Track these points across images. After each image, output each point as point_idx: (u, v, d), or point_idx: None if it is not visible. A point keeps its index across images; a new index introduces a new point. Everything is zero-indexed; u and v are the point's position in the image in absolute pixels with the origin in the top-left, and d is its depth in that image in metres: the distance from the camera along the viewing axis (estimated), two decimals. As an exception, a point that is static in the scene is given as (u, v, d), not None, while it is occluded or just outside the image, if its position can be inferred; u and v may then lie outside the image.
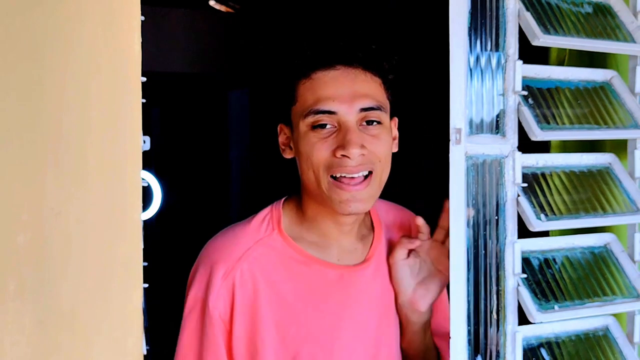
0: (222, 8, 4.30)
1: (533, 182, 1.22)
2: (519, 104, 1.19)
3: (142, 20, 0.87)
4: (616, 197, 1.30)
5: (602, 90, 1.33)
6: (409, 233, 1.35)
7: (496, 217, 1.17)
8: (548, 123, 1.23)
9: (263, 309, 1.23)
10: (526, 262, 1.20)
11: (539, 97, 1.24)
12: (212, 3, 4.23)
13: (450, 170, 1.11)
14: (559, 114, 1.25)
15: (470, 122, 1.14)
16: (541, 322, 1.17)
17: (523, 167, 1.20)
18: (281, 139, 1.29)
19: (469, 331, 1.13)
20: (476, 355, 1.14)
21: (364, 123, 1.21)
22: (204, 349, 1.23)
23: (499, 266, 1.17)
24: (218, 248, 1.27)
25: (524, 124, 1.19)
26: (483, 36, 1.15)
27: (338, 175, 1.19)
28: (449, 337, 1.12)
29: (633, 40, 1.33)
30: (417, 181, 3.02)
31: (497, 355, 1.16)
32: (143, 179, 0.89)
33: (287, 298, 1.25)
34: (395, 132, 1.30)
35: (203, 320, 1.23)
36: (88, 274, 0.85)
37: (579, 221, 1.25)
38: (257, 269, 1.24)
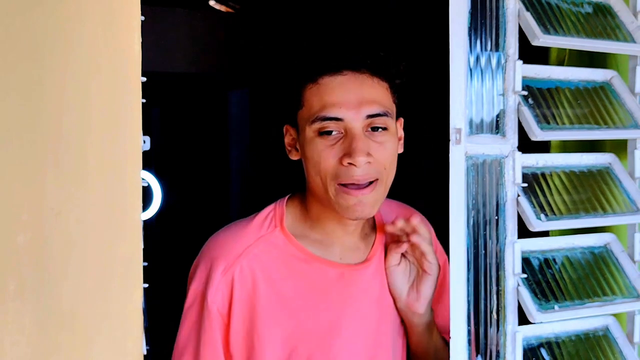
0: (222, 8, 4.30)
1: (533, 182, 1.22)
2: (519, 104, 1.19)
3: (142, 20, 0.87)
4: (616, 197, 1.30)
5: (602, 90, 1.33)
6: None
7: (496, 217, 1.17)
8: (548, 123, 1.23)
9: (262, 305, 1.24)
10: (526, 262, 1.20)
11: (539, 97, 1.24)
12: (212, 3, 4.23)
13: (450, 170, 1.10)
14: (559, 114, 1.25)
15: (470, 122, 1.14)
16: (541, 322, 1.17)
17: (523, 167, 1.20)
18: (287, 140, 1.30)
19: (469, 331, 1.13)
20: (476, 355, 1.14)
21: (370, 129, 1.21)
22: (202, 342, 1.24)
23: (499, 266, 1.17)
24: (219, 244, 1.28)
25: (524, 124, 1.19)
26: (483, 36, 1.15)
27: (345, 183, 1.20)
28: None
29: (633, 40, 1.33)
30: (417, 181, 3.02)
31: (497, 355, 1.16)
32: (143, 179, 0.89)
33: (286, 295, 1.25)
34: (401, 133, 1.30)
35: (202, 314, 1.25)
36: (88, 274, 0.85)
37: (579, 221, 1.25)
38: (257, 265, 1.25)
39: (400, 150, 1.29)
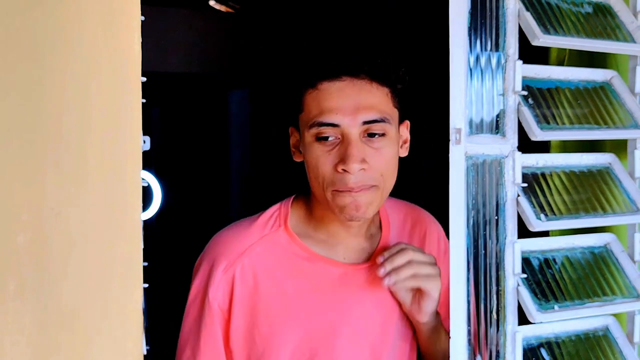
0: (222, 8, 4.30)
1: (533, 182, 1.22)
2: (519, 104, 1.19)
3: (142, 20, 0.87)
4: (616, 197, 1.29)
5: (602, 90, 1.33)
6: (423, 231, 1.38)
7: (496, 217, 1.17)
8: (548, 123, 1.23)
9: (263, 303, 1.25)
10: (526, 262, 1.20)
11: (539, 97, 1.23)
12: (212, 3, 4.23)
13: (450, 170, 1.10)
14: (559, 114, 1.25)
15: (470, 122, 1.14)
16: (541, 322, 1.17)
17: (523, 167, 1.20)
18: (292, 141, 1.30)
19: (468, 331, 1.13)
20: (476, 355, 1.14)
21: (367, 135, 1.21)
22: (202, 336, 1.26)
23: (499, 266, 1.17)
24: (223, 242, 1.30)
25: (524, 124, 1.19)
26: (483, 36, 1.15)
27: (340, 190, 1.20)
28: None
29: (633, 40, 1.33)
30: (417, 181, 3.02)
31: (497, 355, 1.16)
32: (143, 179, 0.89)
33: (289, 293, 1.26)
34: (407, 136, 1.30)
35: (203, 310, 1.27)
36: (88, 274, 0.85)
37: (579, 221, 1.25)
38: (259, 263, 1.26)
39: (405, 154, 1.29)
